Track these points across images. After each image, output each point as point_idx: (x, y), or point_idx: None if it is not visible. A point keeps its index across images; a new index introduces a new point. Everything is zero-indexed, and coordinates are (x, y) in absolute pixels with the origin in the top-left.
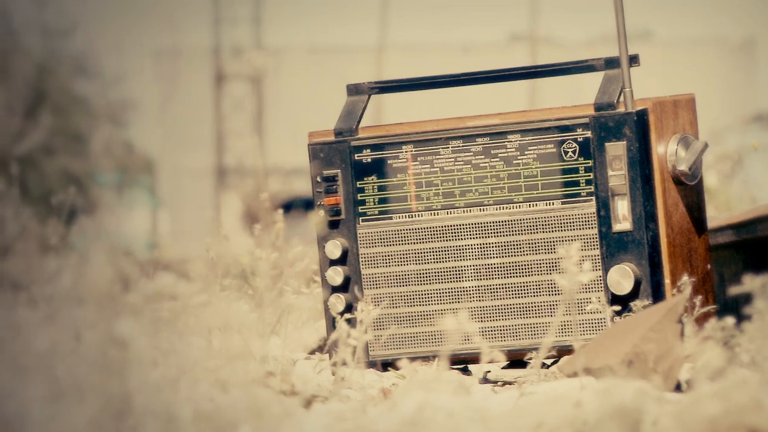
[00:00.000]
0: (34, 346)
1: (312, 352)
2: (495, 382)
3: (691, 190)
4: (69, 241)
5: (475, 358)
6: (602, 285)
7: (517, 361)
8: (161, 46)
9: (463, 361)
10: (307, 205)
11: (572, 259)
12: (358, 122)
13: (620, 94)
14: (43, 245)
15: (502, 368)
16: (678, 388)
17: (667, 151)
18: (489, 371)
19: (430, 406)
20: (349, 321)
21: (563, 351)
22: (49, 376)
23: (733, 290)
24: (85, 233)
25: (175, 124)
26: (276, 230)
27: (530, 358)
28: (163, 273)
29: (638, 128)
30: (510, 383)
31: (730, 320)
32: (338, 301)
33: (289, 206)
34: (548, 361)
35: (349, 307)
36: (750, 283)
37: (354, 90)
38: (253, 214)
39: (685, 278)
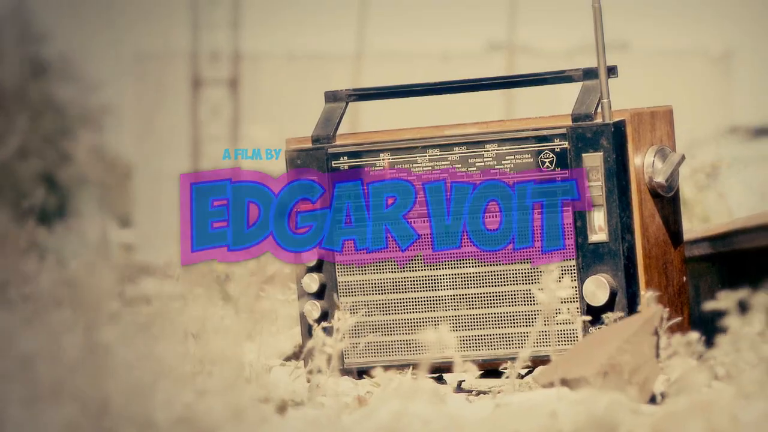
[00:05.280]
0: (13, 349)
1: (287, 359)
2: (470, 392)
3: (667, 202)
4: (45, 244)
5: (450, 367)
6: (578, 296)
7: (492, 370)
8: (139, 50)
9: (438, 370)
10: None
11: (552, 274)
12: (336, 129)
13: (598, 105)
14: (20, 248)
15: (478, 377)
16: (653, 400)
17: (644, 163)
18: (464, 380)
19: (406, 414)
20: (325, 329)
21: (538, 361)
22: (27, 379)
23: (709, 306)
24: (64, 237)
25: (152, 128)
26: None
27: (505, 368)
28: (143, 277)
29: (615, 139)
30: (485, 393)
31: (694, 335)
32: (314, 308)
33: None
34: (523, 371)
35: (325, 314)
36: (725, 296)
37: (332, 97)
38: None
39: (649, 293)
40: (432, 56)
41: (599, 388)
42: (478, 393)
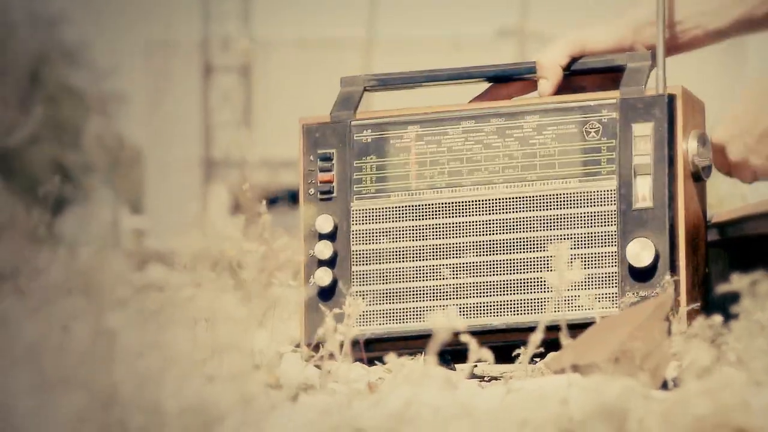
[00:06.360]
0: (22, 338)
1: (299, 345)
2: (482, 378)
3: (701, 188)
4: (55, 231)
5: (461, 345)
6: (616, 260)
7: (505, 353)
8: (151, 37)
9: (455, 344)
10: (294, 197)
11: (562, 257)
12: (356, 108)
13: (647, 80)
14: (30, 235)
15: (491, 363)
16: (665, 386)
17: (688, 144)
18: (476, 366)
19: (417, 401)
20: (333, 305)
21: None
22: (36, 367)
23: (721, 288)
24: (74, 224)
25: (163, 116)
26: (262, 222)
27: (518, 354)
28: (151, 265)
29: (668, 111)
30: (497, 379)
31: (717, 318)
32: (325, 275)
33: (276, 199)
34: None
35: (335, 282)
36: (738, 281)
37: (349, 83)
38: (240, 206)
39: (667, 278)
40: (444, 43)
41: (611, 374)
42: (491, 379)
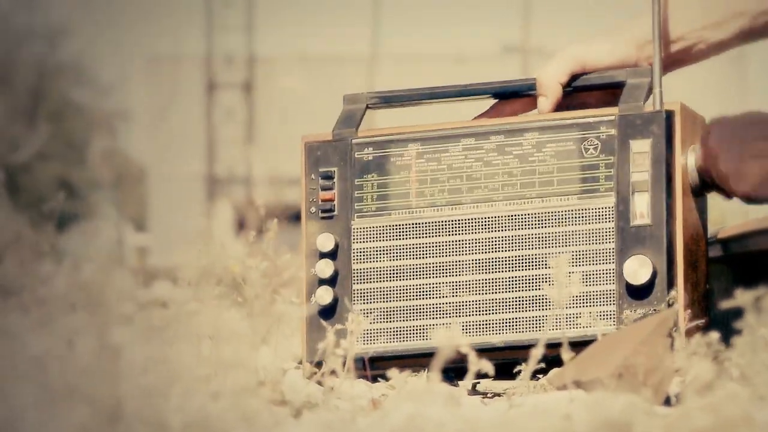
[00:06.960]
0: (27, 352)
1: (301, 362)
2: (485, 394)
3: (702, 203)
4: (60, 247)
5: (464, 364)
6: (613, 278)
7: (506, 369)
8: (153, 53)
9: (454, 369)
10: (298, 216)
11: (561, 270)
12: (358, 126)
13: (647, 97)
14: (34, 251)
15: (492, 379)
16: (668, 401)
17: (687, 159)
18: (479, 382)
19: (420, 416)
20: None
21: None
22: (41, 381)
23: (725, 304)
24: (78, 240)
25: (166, 132)
26: (267, 239)
27: (519, 370)
28: (156, 281)
29: (666, 127)
30: (499, 395)
31: (714, 335)
32: (326, 293)
33: (280, 216)
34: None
35: (336, 301)
36: (741, 297)
37: (352, 100)
38: (245, 222)
39: (673, 293)
40: (446, 59)
41: (614, 390)
42: (493, 395)
